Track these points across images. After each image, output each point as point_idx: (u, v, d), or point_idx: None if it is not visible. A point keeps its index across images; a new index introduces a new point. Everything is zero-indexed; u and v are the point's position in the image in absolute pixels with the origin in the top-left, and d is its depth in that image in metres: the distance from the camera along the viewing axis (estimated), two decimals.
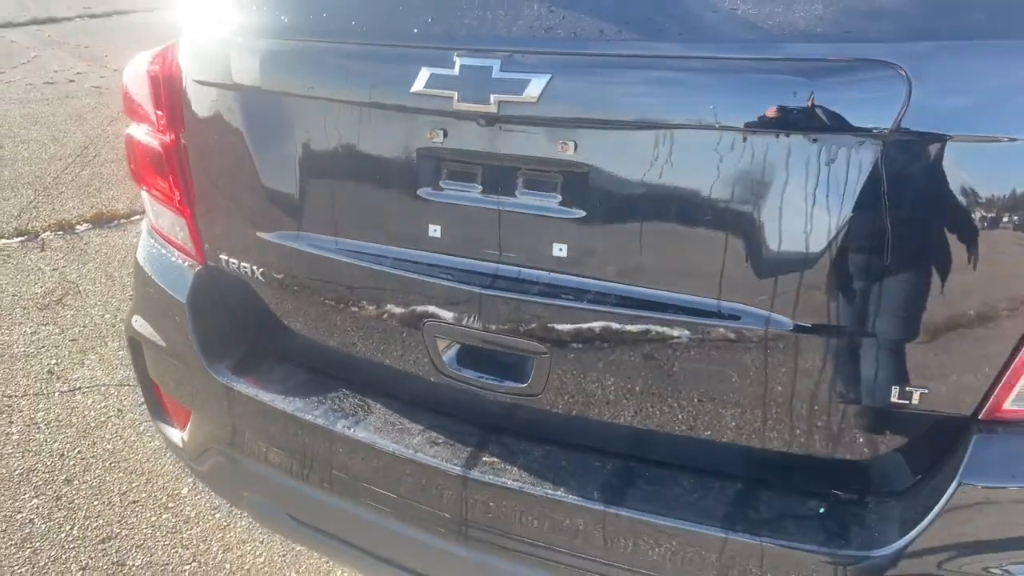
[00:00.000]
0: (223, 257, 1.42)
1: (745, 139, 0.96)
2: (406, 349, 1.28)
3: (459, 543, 1.23)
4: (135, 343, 1.61)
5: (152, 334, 1.54)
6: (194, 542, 2.09)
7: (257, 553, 2.05)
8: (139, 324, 1.57)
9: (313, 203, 1.30)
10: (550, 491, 1.13)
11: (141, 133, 1.49)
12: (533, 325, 1.14)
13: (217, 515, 2.16)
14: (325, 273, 1.31)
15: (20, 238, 3.82)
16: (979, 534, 0.97)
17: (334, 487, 1.33)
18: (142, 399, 1.79)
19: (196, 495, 2.24)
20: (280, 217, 1.33)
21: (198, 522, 2.15)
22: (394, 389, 1.34)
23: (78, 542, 2.09)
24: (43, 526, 2.14)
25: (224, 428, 1.45)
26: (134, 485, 2.28)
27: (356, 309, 1.31)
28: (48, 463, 2.37)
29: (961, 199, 0.91)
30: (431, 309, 1.22)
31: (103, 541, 2.10)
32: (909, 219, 0.93)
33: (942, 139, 0.89)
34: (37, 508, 2.20)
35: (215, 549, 2.07)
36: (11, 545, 2.08)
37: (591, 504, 1.10)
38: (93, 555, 2.05)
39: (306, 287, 1.35)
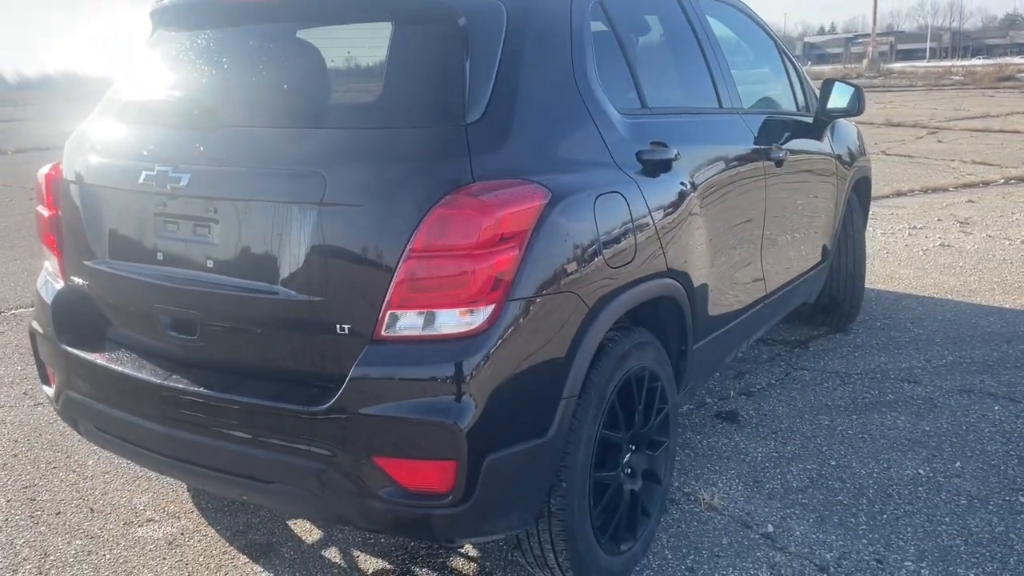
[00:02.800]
0: (72, 277, 2.50)
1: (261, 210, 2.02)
2: (146, 321, 2.31)
3: (167, 425, 2.21)
4: (32, 334, 2.67)
5: (38, 327, 2.61)
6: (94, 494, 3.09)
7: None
8: (34, 323, 2.64)
9: (103, 242, 2.37)
10: (202, 390, 2.12)
11: (41, 209, 2.62)
12: (195, 302, 2.16)
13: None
14: (108, 280, 2.37)
15: None
16: (368, 397, 1.92)
17: (111, 401, 2.34)
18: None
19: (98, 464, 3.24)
20: (91, 251, 2.41)
21: (99, 477, 3.15)
22: (144, 345, 2.36)
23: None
24: None
25: (65, 377, 2.48)
26: (56, 456, 3.31)
27: (123, 300, 2.36)
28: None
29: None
30: (154, 298, 2.25)
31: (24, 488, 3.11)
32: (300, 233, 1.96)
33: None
34: None
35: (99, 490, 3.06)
36: None
37: (216, 393, 2.09)
38: (15, 495, 3.06)
39: (102, 289, 2.41)
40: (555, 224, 2.06)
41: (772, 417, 3.61)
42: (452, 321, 1.93)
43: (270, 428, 2.04)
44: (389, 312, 1.93)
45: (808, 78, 4.26)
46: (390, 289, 1.92)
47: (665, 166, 2.60)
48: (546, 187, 2.06)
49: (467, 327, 1.92)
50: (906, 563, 2.57)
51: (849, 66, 38.61)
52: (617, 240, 2.27)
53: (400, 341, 1.94)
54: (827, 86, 4.04)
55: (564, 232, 2.09)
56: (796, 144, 3.74)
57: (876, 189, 9.15)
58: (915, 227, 7.32)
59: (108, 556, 2.67)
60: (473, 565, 2.61)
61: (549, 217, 2.04)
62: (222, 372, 2.18)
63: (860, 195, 4.72)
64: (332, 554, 2.67)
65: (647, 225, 2.42)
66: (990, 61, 35.79)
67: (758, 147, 3.31)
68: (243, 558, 2.65)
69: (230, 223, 2.11)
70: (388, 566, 2.60)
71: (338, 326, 1.98)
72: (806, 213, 3.87)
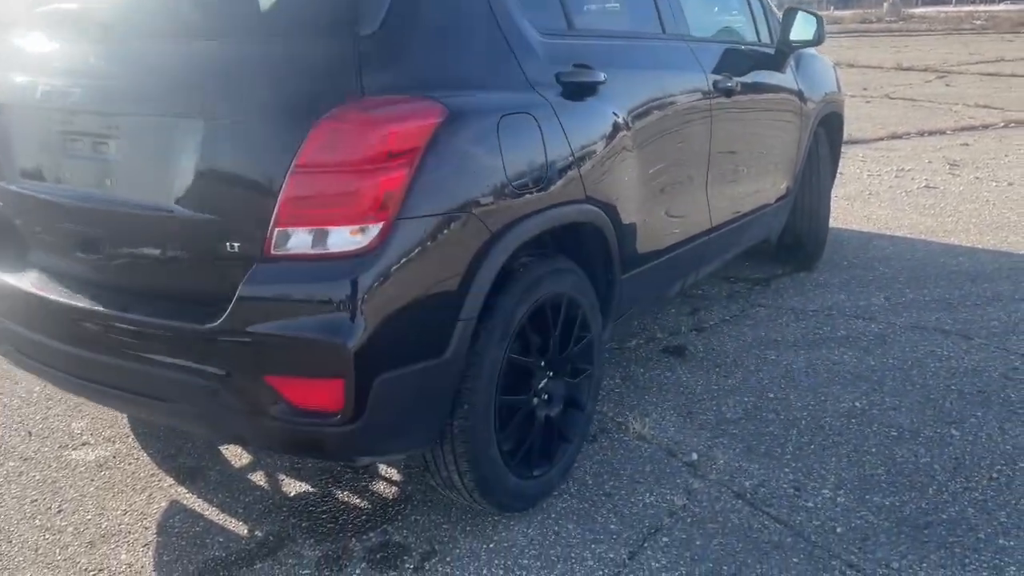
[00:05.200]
0: None
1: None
2: (56, 243, 2.30)
3: (76, 346, 2.22)
4: None
5: None
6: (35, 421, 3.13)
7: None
8: None
9: (13, 163, 2.36)
10: (105, 310, 2.13)
11: None
12: (98, 222, 2.16)
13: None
14: (20, 201, 2.37)
15: None
16: (257, 316, 1.92)
17: (29, 324, 2.35)
18: None
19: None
20: (2, 172, 2.39)
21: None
22: (56, 267, 2.36)
23: None
24: None
25: None
26: (3, 383, 3.35)
27: (34, 222, 2.35)
28: None
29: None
30: (62, 218, 2.25)
31: None
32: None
33: None
34: None
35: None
36: None
37: (116, 312, 2.10)
38: None
39: (15, 211, 2.40)
40: (451, 143, 2.03)
41: (719, 352, 3.60)
42: (342, 240, 1.92)
43: (166, 347, 2.05)
44: (277, 230, 1.92)
45: (773, 9, 4.15)
46: (277, 206, 1.90)
47: (590, 90, 2.55)
48: (443, 104, 2.02)
49: (356, 246, 1.91)
50: (823, 491, 2.58)
51: (869, 10, 37.62)
52: (524, 164, 2.24)
53: (289, 259, 1.93)
54: (789, 15, 3.93)
55: (462, 152, 2.06)
56: (752, 76, 3.65)
57: (871, 132, 9.08)
58: (903, 169, 7.21)
59: (38, 477, 2.72)
60: (394, 489, 2.64)
61: (445, 136, 2.01)
62: (124, 292, 2.18)
63: (829, 132, 4.63)
64: (257, 478, 2.71)
65: (563, 150, 2.38)
66: (1015, 7, 34.79)
67: (705, 76, 3.23)
68: (169, 480, 2.70)
69: (125, 140, 2.09)
70: (311, 490, 2.64)
71: (229, 244, 1.97)
72: (761, 147, 3.81)
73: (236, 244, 1.97)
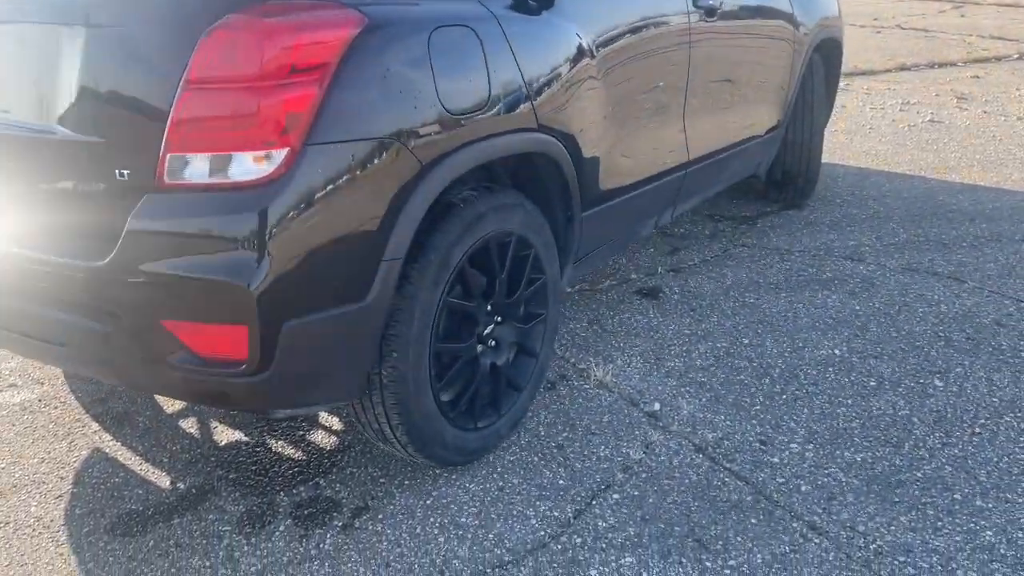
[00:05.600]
0: None
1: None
2: None
3: None
4: None
5: None
6: None
7: None
8: None
9: None
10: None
11: None
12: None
13: None
14: None
15: None
16: (148, 252, 1.71)
17: None
18: None
19: None
20: None
21: None
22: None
23: None
24: None
25: None
26: None
27: None
28: None
29: None
30: None
31: None
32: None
33: None
34: None
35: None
36: None
37: (9, 249, 1.89)
38: None
39: None
40: (371, 59, 1.79)
41: (696, 294, 3.39)
42: (244, 168, 1.70)
43: (57, 286, 1.85)
44: (170, 155, 1.70)
45: None
46: (167, 128, 1.68)
47: (546, 3, 2.30)
48: (362, 13, 1.78)
49: (259, 175, 1.69)
50: (791, 445, 2.40)
51: None
52: (461, 86, 2.00)
53: (185, 189, 1.72)
54: None
55: (384, 70, 1.82)
56: None
57: (879, 63, 8.69)
58: (908, 102, 6.87)
59: None
60: (333, 439, 2.47)
61: (362, 50, 1.77)
62: (18, 225, 1.97)
63: (826, 59, 4.33)
64: (189, 424, 2.54)
65: (510, 71, 2.14)
66: None
67: None
68: (95, 426, 2.53)
69: (9, 51, 1.86)
70: (244, 439, 2.47)
71: (119, 171, 1.76)
72: (748, 75, 3.53)
73: (126, 171, 1.75)
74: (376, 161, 1.80)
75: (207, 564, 1.99)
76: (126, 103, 1.75)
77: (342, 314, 1.83)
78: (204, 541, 2.06)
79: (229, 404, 1.97)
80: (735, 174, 3.77)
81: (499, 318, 2.33)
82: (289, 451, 2.41)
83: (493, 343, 2.33)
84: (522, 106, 2.18)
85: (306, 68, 1.68)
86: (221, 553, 2.02)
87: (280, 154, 1.69)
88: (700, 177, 3.32)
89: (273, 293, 1.71)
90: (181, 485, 2.27)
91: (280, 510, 2.16)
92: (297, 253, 1.73)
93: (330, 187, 1.74)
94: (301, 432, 2.50)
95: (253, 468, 2.33)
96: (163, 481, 2.29)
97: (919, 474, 2.27)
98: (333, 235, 1.78)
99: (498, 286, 2.26)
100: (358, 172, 1.78)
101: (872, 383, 2.71)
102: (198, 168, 1.70)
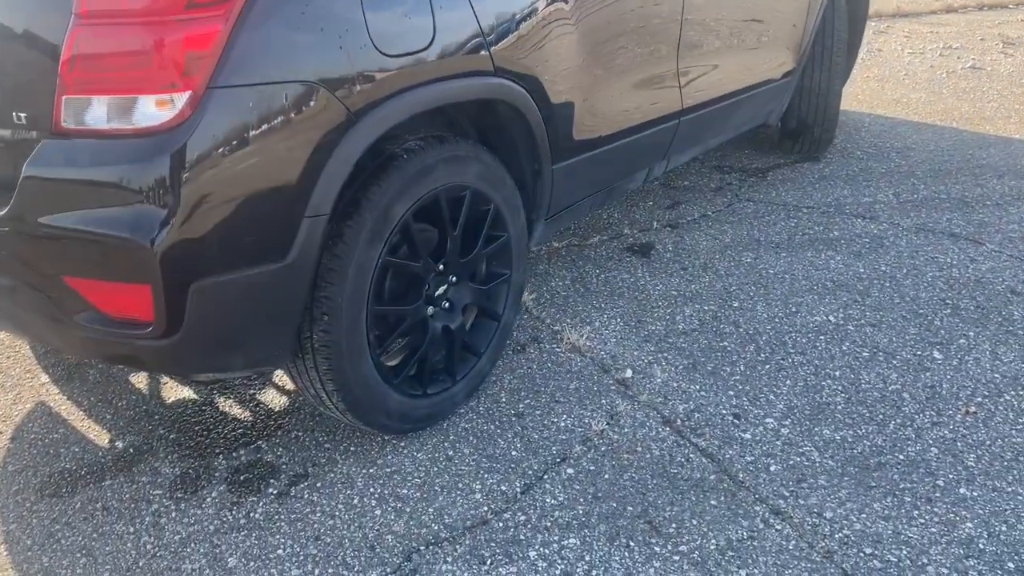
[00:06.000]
0: None
1: None
2: None
3: None
4: None
5: None
6: None
7: None
8: None
9: None
10: None
11: None
12: None
13: None
14: None
15: None
16: (45, 204, 1.58)
17: None
18: None
19: None
20: None
21: None
22: None
23: None
24: None
25: None
26: None
27: None
28: None
29: None
30: None
31: None
32: None
33: None
34: None
35: None
36: None
37: None
38: None
39: None
40: None
41: (690, 252, 3.20)
42: (145, 113, 1.55)
43: None
44: (65, 98, 1.56)
45: None
46: (60, 67, 1.53)
47: None
48: None
49: (161, 121, 1.54)
50: (767, 420, 2.24)
51: None
52: (398, 22, 1.81)
53: (83, 135, 1.58)
54: None
55: (303, 3, 1.64)
56: None
57: (923, 3, 8.20)
58: (950, 47, 6.46)
59: None
60: (283, 399, 2.37)
61: None
62: None
63: None
64: (139, 380, 2.45)
65: (461, 6, 1.95)
66: None
67: None
68: (44, 378, 2.46)
69: None
70: (192, 396, 2.38)
71: (16, 114, 1.62)
72: (755, 12, 3.26)
73: (23, 115, 1.61)
74: (293, 107, 1.64)
75: (131, 530, 1.91)
76: (18, 38, 1.61)
77: (259, 275, 1.70)
78: (132, 505, 1.98)
79: (143, 367, 1.86)
80: (741, 123, 3.53)
81: (454, 278, 2.18)
82: (236, 410, 2.31)
83: (447, 304, 2.19)
84: (475, 46, 1.99)
85: (208, 2, 1.52)
86: (147, 519, 1.94)
87: (182, 98, 1.54)
88: (697, 126, 3.10)
89: (179, 251, 1.58)
90: (120, 443, 2.19)
91: (216, 475, 2.07)
92: (205, 208, 1.59)
93: (241, 135, 1.59)
94: (252, 391, 2.40)
95: (196, 428, 2.24)
96: (102, 439, 2.21)
97: (901, 456, 2.10)
98: (245, 189, 1.63)
99: (450, 244, 2.10)
100: (273, 119, 1.62)
101: (865, 354, 2.52)
102: (97, 112, 1.56)
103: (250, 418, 2.28)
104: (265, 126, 1.61)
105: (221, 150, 1.57)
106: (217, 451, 2.15)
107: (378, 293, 1.97)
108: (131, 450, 2.16)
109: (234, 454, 2.14)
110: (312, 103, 1.67)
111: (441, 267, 2.12)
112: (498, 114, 2.21)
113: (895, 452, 2.11)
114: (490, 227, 2.21)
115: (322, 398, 1.99)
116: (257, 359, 1.83)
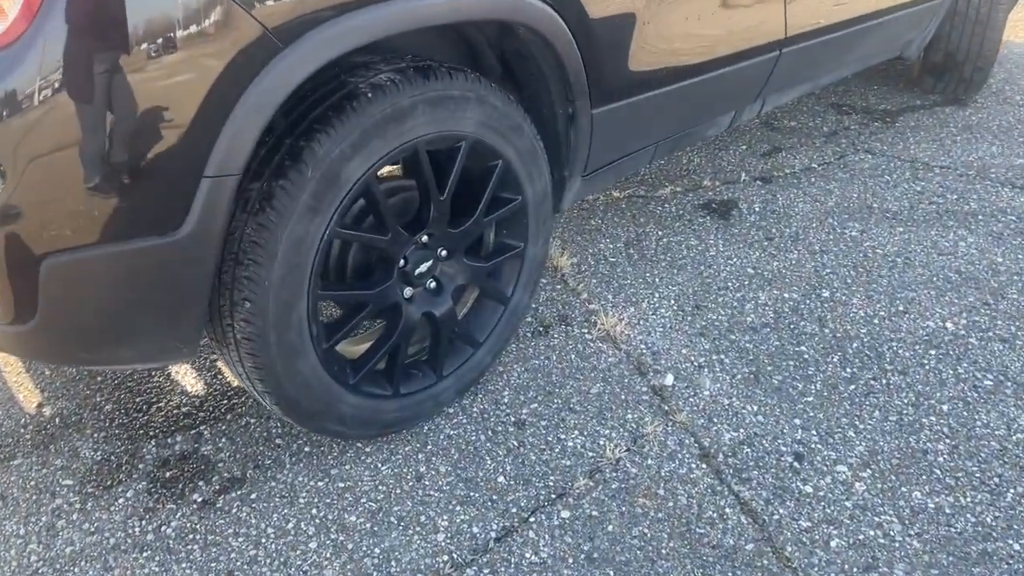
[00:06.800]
0: None
1: None
2: None
3: None
4: None
5: None
6: None
7: None
8: None
9: None
10: None
11: None
12: None
13: None
14: None
15: None
16: None
17: None
18: None
19: None
20: None
21: None
22: None
23: None
24: None
25: None
26: None
27: None
28: None
29: None
30: None
31: None
32: None
33: None
34: None
35: None
36: None
37: None
38: None
39: None
40: None
41: (781, 217, 2.60)
42: None
43: None
44: None
45: None
46: None
47: None
48: None
49: None
50: (839, 468, 1.70)
51: None
52: None
53: None
54: None
55: None
56: None
57: None
58: None
59: None
60: None
61: None
62: None
63: None
64: None
65: None
66: None
67: None
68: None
69: None
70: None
71: None
72: None
73: None
74: (181, 24, 1.17)
75: (21, 532, 1.59)
76: None
77: (140, 250, 1.27)
78: (34, 497, 1.66)
79: (10, 352, 1.48)
80: (867, 56, 2.82)
81: (443, 252, 1.70)
82: (189, 381, 1.95)
83: (433, 285, 1.72)
84: None
85: None
86: (44, 519, 1.61)
87: (14, 7, 1.09)
88: (805, 60, 2.44)
89: (15, 217, 1.17)
90: (48, 410, 1.87)
91: (140, 467, 1.72)
92: (56, 162, 1.16)
93: (104, 63, 1.14)
94: (215, 356, 2.03)
95: (137, 400, 1.89)
96: (32, 401, 1.90)
97: (1017, 547, 1.54)
98: (117, 137, 1.18)
99: (434, 210, 1.62)
100: (150, 41, 1.16)
101: (988, 382, 1.92)
102: None
103: (202, 393, 1.92)
104: (137, 50, 1.15)
105: (73, 82, 1.13)
106: (151, 433, 1.80)
107: (328, 272, 1.53)
108: (56, 420, 1.84)
109: (169, 440, 1.78)
110: (210, 18, 1.19)
111: (425, 239, 1.65)
112: (519, 39, 1.68)
113: (1008, 539, 1.55)
114: (498, 187, 1.70)
115: (258, 399, 1.59)
116: (151, 352, 1.42)
